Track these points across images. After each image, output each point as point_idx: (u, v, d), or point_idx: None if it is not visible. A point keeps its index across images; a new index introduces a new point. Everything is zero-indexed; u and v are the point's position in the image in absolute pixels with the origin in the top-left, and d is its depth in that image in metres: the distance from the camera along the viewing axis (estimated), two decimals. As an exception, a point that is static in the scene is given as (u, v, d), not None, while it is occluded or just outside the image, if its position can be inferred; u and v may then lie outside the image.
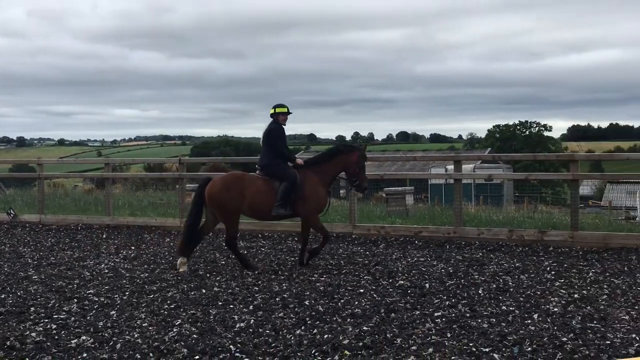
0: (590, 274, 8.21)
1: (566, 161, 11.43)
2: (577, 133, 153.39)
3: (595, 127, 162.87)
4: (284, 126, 9.21)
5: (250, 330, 5.92)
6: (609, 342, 5.39)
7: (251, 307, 6.72)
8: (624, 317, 6.14)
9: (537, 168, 53.92)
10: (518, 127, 78.02)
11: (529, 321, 6.06)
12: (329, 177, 9.19)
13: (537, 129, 77.91)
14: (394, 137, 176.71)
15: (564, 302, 6.76)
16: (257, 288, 7.64)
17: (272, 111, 9.23)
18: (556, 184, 38.85)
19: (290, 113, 9.28)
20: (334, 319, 6.24)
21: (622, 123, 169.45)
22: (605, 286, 7.48)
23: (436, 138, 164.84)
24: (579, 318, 6.13)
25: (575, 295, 7.02)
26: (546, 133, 78.29)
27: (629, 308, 6.49)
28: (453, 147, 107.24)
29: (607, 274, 8.20)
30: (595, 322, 6.01)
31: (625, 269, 8.48)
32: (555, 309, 6.47)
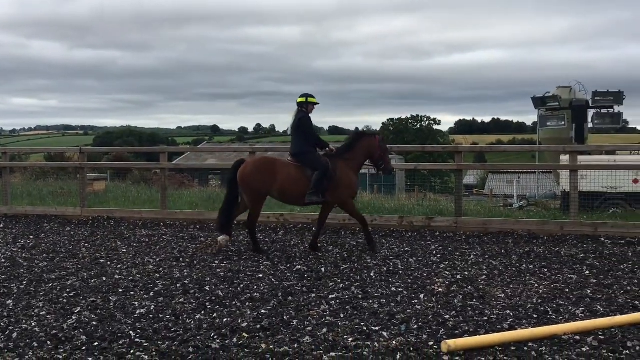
0: (472, 256, 8.56)
1: (452, 152, 11.83)
2: (463, 127, 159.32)
3: (480, 121, 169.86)
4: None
5: (151, 316, 5.80)
6: (486, 318, 5.65)
7: (152, 294, 6.58)
8: (500, 295, 6.45)
9: (426, 159, 55.56)
10: (410, 121, 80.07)
11: (416, 301, 6.26)
12: (358, 163, 9.16)
13: (427, 122, 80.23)
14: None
15: (447, 282, 7.02)
16: (158, 275, 7.48)
17: (302, 99, 9.06)
18: (444, 173, 40.25)
19: (318, 104, 9.18)
20: (234, 303, 6.21)
21: (503, 118, 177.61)
22: (484, 267, 7.82)
23: (335, 130, 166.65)
24: (461, 297, 6.38)
25: (458, 277, 7.31)
26: (435, 127, 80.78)
27: (504, 287, 6.82)
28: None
29: (487, 256, 8.58)
30: (475, 300, 6.28)
31: (503, 251, 8.90)
32: (440, 289, 6.71)
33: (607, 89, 21.61)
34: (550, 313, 5.78)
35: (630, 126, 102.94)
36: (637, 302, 6.06)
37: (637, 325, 5.30)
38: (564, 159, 14.88)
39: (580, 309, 5.90)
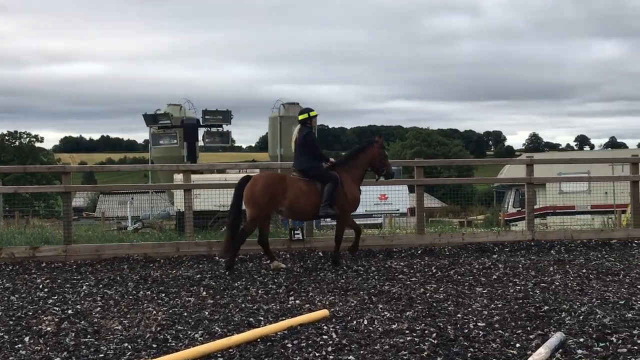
0: (84, 287, 8.24)
1: (58, 173, 11.30)
2: (69, 144, 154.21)
3: (88, 138, 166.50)
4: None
5: None
6: (102, 355, 5.46)
7: None
8: (117, 328, 6.31)
9: (28, 180, 52.10)
10: (7, 138, 74.20)
11: (20, 345, 5.74)
12: (360, 174, 9.84)
13: (27, 139, 75.33)
14: None
15: (57, 319, 6.62)
16: None
17: (304, 116, 9.70)
18: (50, 196, 38.26)
19: (318, 114, 9.85)
20: None
21: (112, 135, 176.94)
22: (99, 298, 7.59)
23: None
24: (73, 334, 6.06)
25: (69, 311, 6.95)
26: (37, 144, 76.34)
27: (122, 318, 6.71)
28: None
29: (101, 285, 8.35)
30: (89, 336, 6.02)
31: (118, 278, 8.77)
32: (49, 328, 6.28)
33: (216, 107, 23.07)
34: (170, 340, 5.86)
35: (236, 144, 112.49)
36: (251, 319, 6.53)
37: (252, 342, 5.69)
38: (178, 178, 15.42)
39: (200, 332, 6.11)
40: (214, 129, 23.15)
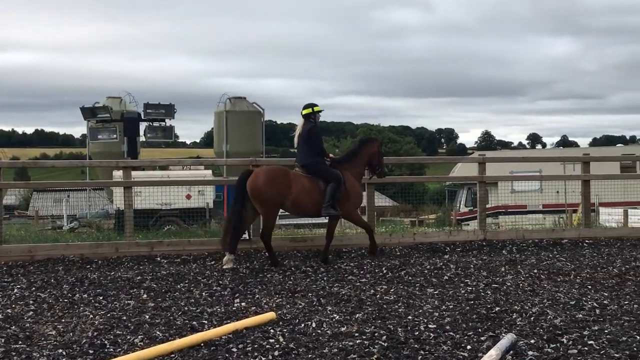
0: (16, 290, 8.04)
1: (-12, 169, 10.96)
2: (2, 139, 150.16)
3: (20, 132, 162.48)
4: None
5: None
6: (35, 362, 5.33)
7: None
8: (51, 333, 6.17)
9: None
10: None
11: (-55, 353, 5.56)
12: (361, 172, 10.13)
13: (-45, 133, 73.12)
14: None
15: (-15, 325, 6.43)
16: None
17: (308, 111, 9.83)
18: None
19: (322, 110, 9.98)
20: None
21: (47, 129, 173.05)
22: (31, 302, 7.41)
23: None
24: (3, 340, 5.90)
25: (0, 316, 6.77)
26: (-34, 138, 74.23)
27: (56, 322, 6.56)
28: None
29: (34, 288, 8.16)
30: (20, 342, 5.87)
31: (53, 280, 8.59)
32: (-24, 335, 6.09)
33: (159, 101, 22.74)
34: (108, 346, 5.75)
35: (180, 140, 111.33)
36: (194, 323, 6.47)
37: (195, 347, 5.64)
38: (118, 174, 15.18)
39: (140, 336, 6.02)
40: (156, 124, 22.85)
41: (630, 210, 19.25)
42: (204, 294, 7.76)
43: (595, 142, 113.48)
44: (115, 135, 22.38)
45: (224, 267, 9.25)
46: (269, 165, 10.86)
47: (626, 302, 7.04)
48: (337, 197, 9.56)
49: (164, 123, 22.99)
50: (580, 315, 6.47)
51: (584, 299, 7.21)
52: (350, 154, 10.26)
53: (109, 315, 6.81)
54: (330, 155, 10.03)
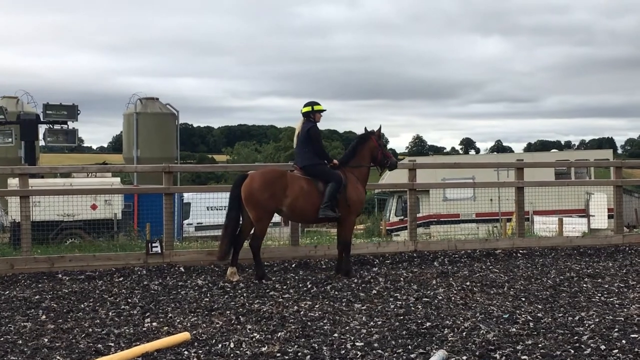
0: None
1: None
2: None
3: None
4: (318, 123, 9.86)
5: None
6: None
7: None
8: None
9: None
10: None
11: None
12: (366, 172, 10.04)
13: None
14: None
15: None
16: None
17: (307, 109, 9.81)
18: None
19: (325, 110, 9.96)
20: None
21: None
22: None
23: None
24: None
25: None
26: None
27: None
28: None
29: None
30: None
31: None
32: None
33: (60, 101, 22.24)
34: (1, 373, 5.58)
35: (85, 144, 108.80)
36: (99, 346, 6.34)
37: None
38: (13, 182, 14.76)
39: (37, 362, 5.86)
40: (57, 126, 22.35)
41: (565, 219, 19.95)
42: (110, 313, 7.62)
43: (530, 148, 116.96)
44: (10, 139, 21.79)
45: (231, 279, 9.31)
46: (265, 168, 10.52)
47: (560, 315, 7.30)
48: (337, 199, 9.52)
49: (66, 126, 22.51)
50: (514, 329, 6.66)
51: (518, 311, 7.43)
52: (349, 155, 10.10)
53: (2, 339, 6.60)
54: (334, 160, 9.87)
